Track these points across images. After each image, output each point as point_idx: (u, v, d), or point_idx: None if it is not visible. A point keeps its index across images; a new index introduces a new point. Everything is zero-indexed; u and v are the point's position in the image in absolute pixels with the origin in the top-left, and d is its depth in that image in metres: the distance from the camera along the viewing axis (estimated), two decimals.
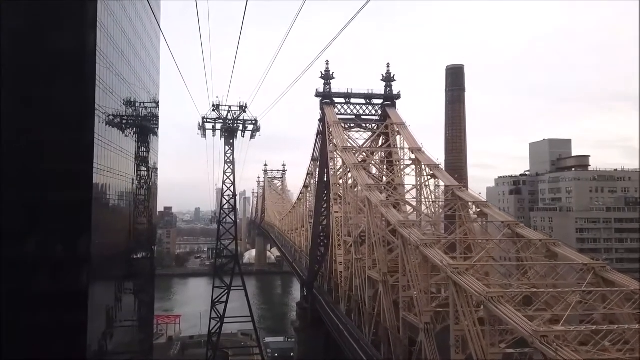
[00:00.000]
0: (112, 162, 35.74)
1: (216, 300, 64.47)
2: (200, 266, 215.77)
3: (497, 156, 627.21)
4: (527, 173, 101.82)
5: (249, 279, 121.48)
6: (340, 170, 59.44)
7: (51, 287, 27.31)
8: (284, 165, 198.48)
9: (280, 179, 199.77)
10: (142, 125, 52.53)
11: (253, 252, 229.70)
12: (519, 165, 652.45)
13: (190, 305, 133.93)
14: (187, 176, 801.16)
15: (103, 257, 37.52)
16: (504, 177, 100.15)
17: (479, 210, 40.41)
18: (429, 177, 51.26)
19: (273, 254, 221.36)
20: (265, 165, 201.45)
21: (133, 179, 46.54)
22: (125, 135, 41.79)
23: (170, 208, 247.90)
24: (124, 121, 41.29)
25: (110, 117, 35.21)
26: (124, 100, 40.38)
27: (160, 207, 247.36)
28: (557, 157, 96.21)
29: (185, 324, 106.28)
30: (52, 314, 26.81)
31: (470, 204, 41.91)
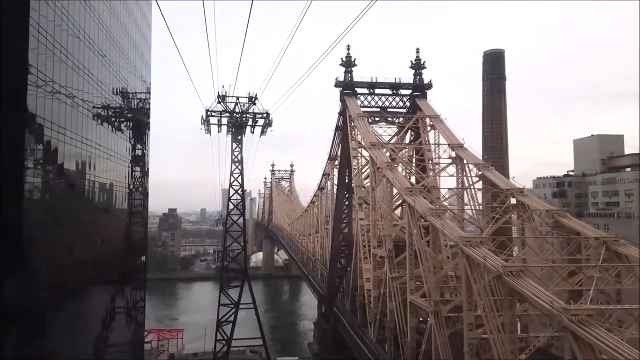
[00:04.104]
0: (77, 158, 27.31)
1: (222, 320, 56.26)
2: (206, 269, 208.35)
3: None
4: (571, 173, 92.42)
5: (255, 283, 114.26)
6: (367, 170, 51.30)
7: None
8: (291, 166, 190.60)
9: (287, 180, 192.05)
10: (123, 111, 42.15)
11: (260, 255, 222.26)
12: (523, 164, 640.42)
13: (195, 313, 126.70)
14: (193, 176, 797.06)
15: (77, 277, 29.61)
16: (543, 177, 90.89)
17: (553, 220, 31.99)
18: (476, 179, 42.99)
19: (280, 257, 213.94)
20: (273, 165, 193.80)
21: (111, 182, 38.07)
22: (95, 121, 31.18)
23: (175, 210, 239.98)
24: (91, 102, 30.91)
25: (68, 95, 25.71)
26: (91, 72, 30.17)
27: (164, 209, 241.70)
28: (607, 156, 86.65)
29: (190, 334, 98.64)
30: None
31: (539, 211, 33.55)
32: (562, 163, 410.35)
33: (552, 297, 19.26)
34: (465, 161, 45.61)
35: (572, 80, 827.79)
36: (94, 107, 31.35)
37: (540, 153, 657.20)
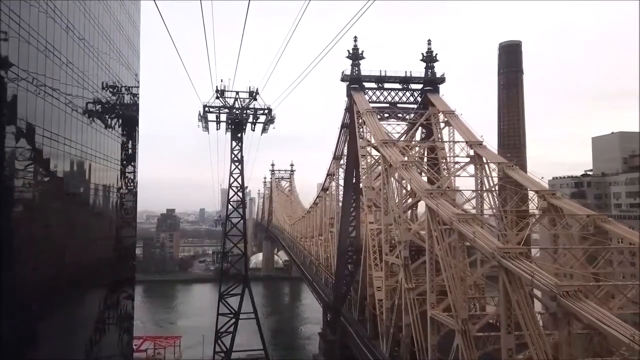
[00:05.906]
0: (54, 156, 23.74)
1: (222, 331, 52.58)
2: (205, 271, 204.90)
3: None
4: (590, 173, 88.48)
5: (255, 284, 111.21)
6: (377, 169, 47.68)
7: None
8: (292, 165, 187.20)
9: (288, 180, 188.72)
10: (106, 103, 37.71)
11: (260, 256, 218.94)
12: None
13: (194, 317, 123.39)
14: (192, 175, 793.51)
15: (55, 284, 26.20)
16: (560, 177, 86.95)
17: (595, 227, 28.32)
18: (500, 179, 39.38)
19: (280, 257, 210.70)
20: (273, 165, 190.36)
21: (96, 182, 34.36)
22: (71, 115, 27.64)
23: (173, 210, 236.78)
24: (65, 92, 27.12)
25: (34, 83, 22.26)
26: (62, 55, 26.39)
27: (162, 209, 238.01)
28: (629, 154, 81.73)
29: (188, 338, 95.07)
30: None
31: (577, 216, 29.89)
32: (562, 163, 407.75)
33: (628, 327, 15.65)
34: (485, 160, 42.01)
35: (572, 80, 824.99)
36: (68, 97, 27.58)
37: (539, 152, 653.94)
